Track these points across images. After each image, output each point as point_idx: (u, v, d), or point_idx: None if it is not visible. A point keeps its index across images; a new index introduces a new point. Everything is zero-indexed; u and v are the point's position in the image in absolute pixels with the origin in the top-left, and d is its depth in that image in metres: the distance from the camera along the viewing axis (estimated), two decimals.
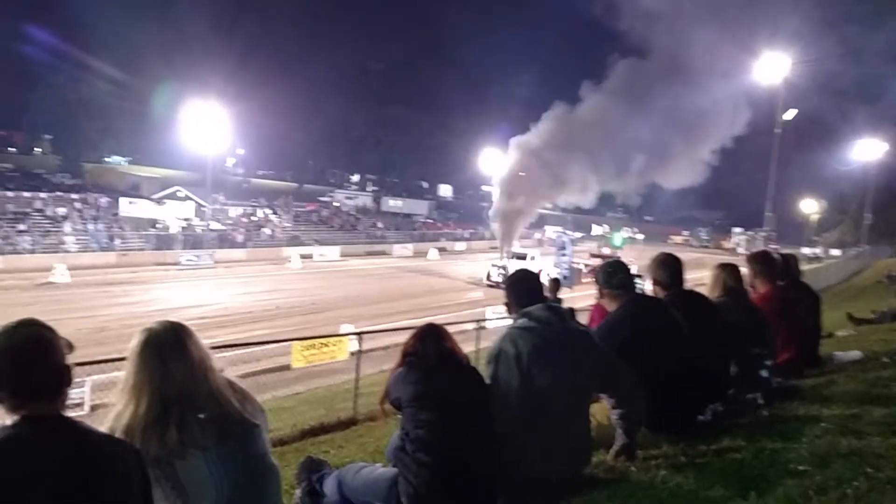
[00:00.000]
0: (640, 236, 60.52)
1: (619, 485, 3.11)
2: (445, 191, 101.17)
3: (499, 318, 20.33)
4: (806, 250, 55.23)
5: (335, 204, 69.47)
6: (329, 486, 3.33)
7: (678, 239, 77.93)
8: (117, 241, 40.51)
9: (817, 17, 36.20)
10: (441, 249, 54.42)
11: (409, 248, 54.74)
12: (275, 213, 55.49)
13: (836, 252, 56.67)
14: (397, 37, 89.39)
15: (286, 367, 15.24)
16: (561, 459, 3.17)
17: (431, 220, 73.25)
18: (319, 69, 76.54)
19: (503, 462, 3.09)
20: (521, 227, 48.11)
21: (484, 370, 3.31)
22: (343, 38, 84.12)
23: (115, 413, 2.27)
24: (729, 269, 4.70)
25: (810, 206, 71.15)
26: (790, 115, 35.25)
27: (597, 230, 67.25)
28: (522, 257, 39.75)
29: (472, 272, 41.84)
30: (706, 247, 73.98)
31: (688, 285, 4.31)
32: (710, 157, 41.57)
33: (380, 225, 63.45)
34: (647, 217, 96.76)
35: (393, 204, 77.07)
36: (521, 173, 45.58)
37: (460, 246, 61.16)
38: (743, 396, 4.25)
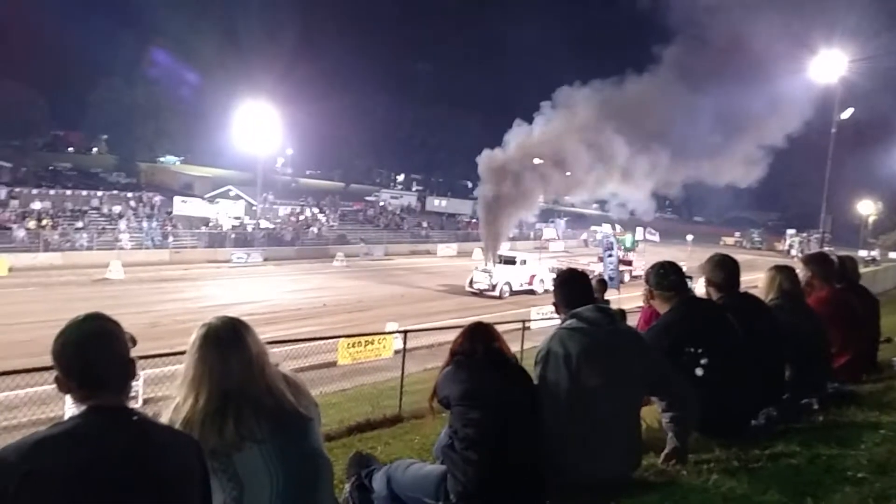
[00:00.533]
0: (690, 236, 58.87)
1: (669, 488, 3.08)
2: None
3: (543, 319, 20.20)
4: (862, 252, 53.49)
5: (381, 203, 69.95)
6: (378, 482, 3.36)
7: (730, 240, 76.12)
8: (170, 239, 41.53)
9: (876, 13, 35.01)
10: (482, 249, 54.31)
11: (452, 247, 54.81)
12: (322, 212, 56.19)
13: (894, 255, 54.81)
14: (443, 38, 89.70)
15: (332, 364, 15.42)
16: (610, 461, 3.16)
17: (475, 220, 73.16)
18: (367, 70, 77.54)
19: (552, 462, 3.09)
20: (510, 226, 42.28)
21: (531, 370, 3.31)
22: (390, 40, 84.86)
23: (174, 405, 2.33)
24: (785, 272, 4.59)
25: (867, 208, 68.77)
26: (847, 114, 34.18)
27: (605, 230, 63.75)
28: (511, 261, 34.91)
29: (455, 277, 36.85)
30: (758, 248, 72.21)
31: (741, 288, 4.24)
32: (763, 155, 40.16)
33: (424, 224, 63.68)
34: (697, 218, 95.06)
35: (437, 203, 77.12)
36: (536, 160, 39.56)
37: (504, 245, 60.88)
38: (798, 401, 4.16)
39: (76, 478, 1.76)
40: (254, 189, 50.85)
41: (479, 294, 32.26)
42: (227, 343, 2.34)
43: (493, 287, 32.33)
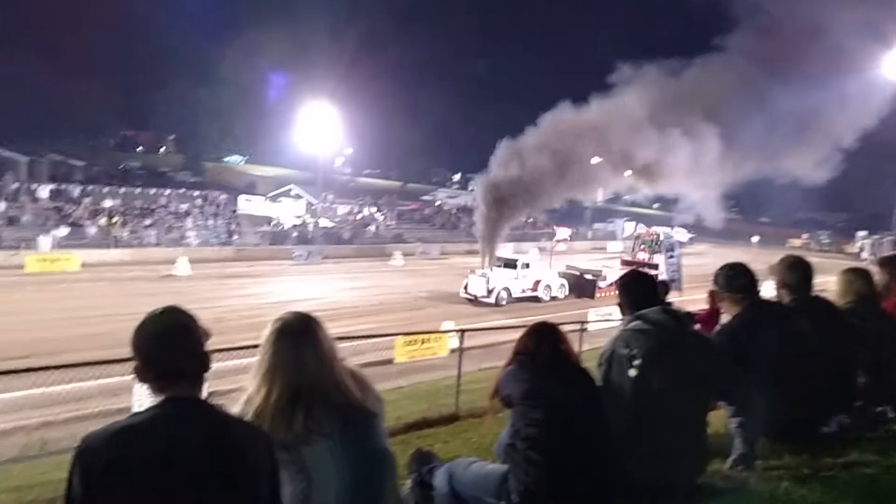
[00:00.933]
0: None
1: (736, 494, 3.02)
2: None
3: (601, 321, 19.79)
4: None
5: (437, 203, 70.18)
6: (439, 479, 3.38)
7: (797, 242, 73.43)
8: (235, 237, 42.53)
9: None
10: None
11: (508, 247, 54.53)
12: (380, 211, 56.71)
13: None
14: (500, 38, 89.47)
15: (389, 361, 15.56)
16: (675, 465, 3.10)
17: (531, 220, 72.71)
18: (424, 70, 77.94)
19: (615, 465, 3.05)
20: (507, 226, 37.25)
21: (594, 371, 3.28)
22: (447, 39, 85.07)
23: (246, 397, 2.39)
24: (860, 275, 4.44)
25: None
26: None
27: (628, 230, 59.80)
28: (512, 265, 30.53)
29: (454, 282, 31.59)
30: (827, 251, 69.61)
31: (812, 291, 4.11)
32: (833, 153, 38.41)
33: None
34: (762, 218, 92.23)
35: None
36: (596, 159, 35.24)
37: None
38: (871, 409, 4.01)
39: (156, 466, 1.84)
40: (314, 188, 51.66)
41: (474, 301, 28.55)
42: (300, 337, 2.40)
43: (490, 293, 28.66)
